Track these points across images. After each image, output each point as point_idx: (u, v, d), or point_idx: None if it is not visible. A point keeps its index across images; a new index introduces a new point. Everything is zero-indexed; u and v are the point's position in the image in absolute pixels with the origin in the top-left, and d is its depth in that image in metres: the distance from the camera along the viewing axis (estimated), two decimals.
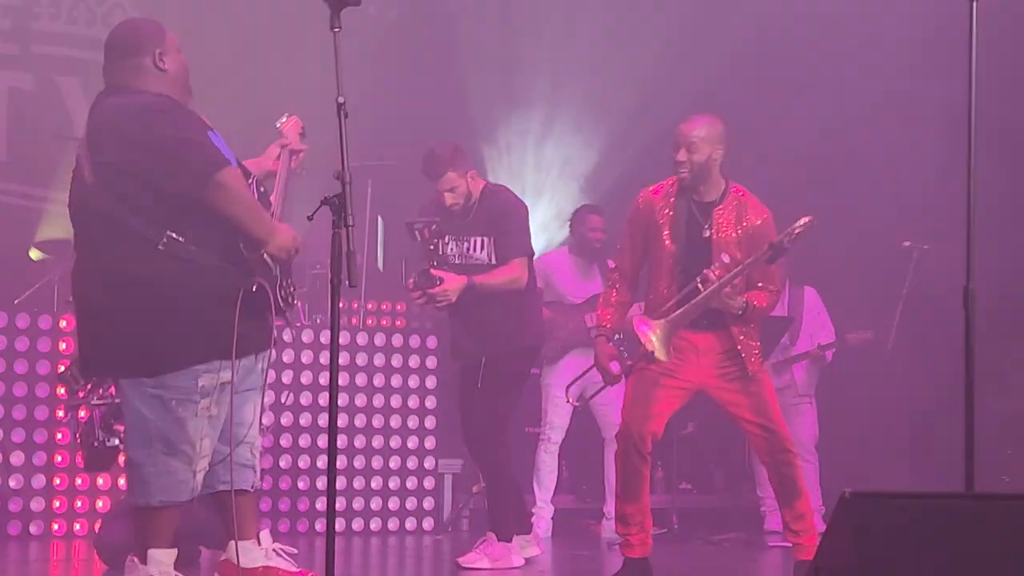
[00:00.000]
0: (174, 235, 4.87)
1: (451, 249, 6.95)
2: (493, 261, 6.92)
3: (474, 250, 6.95)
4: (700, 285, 6.06)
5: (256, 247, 4.98)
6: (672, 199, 6.28)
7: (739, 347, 6.19)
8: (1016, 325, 8.82)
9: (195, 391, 4.93)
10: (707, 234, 6.19)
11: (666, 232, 6.24)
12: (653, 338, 6.06)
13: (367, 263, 9.16)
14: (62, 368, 6.85)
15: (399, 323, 9.74)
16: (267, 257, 5.01)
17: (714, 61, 10.01)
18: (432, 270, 6.74)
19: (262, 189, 5.24)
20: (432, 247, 6.80)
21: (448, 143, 7.05)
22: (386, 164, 9.21)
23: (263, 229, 5.00)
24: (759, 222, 6.22)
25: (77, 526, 8.03)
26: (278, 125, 5.60)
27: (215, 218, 4.90)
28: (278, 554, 5.26)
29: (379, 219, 9.37)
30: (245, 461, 5.17)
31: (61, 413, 7.88)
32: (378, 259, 9.37)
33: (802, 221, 6.02)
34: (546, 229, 10.28)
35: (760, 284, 6.22)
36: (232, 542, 5.15)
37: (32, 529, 7.93)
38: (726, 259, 6.10)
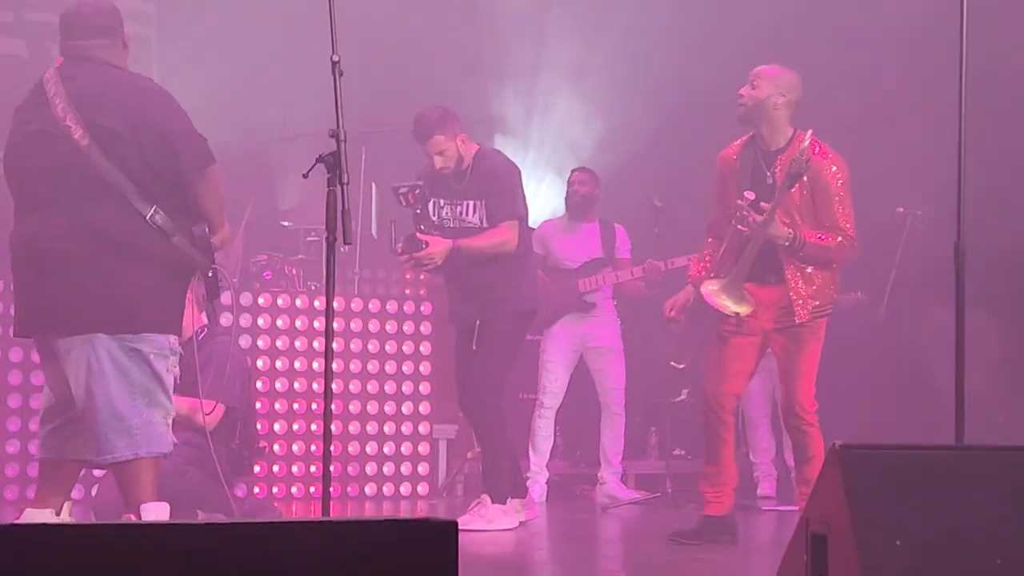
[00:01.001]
0: (159, 209, 5.08)
1: (446, 213, 7.02)
2: (485, 225, 6.97)
3: (467, 214, 7.01)
4: (738, 225, 6.19)
5: (209, 235, 5.23)
6: (741, 150, 6.42)
7: (791, 293, 6.24)
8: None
9: (168, 347, 5.18)
10: (770, 181, 6.27)
11: (733, 184, 6.37)
12: (723, 301, 6.23)
13: (361, 230, 9.19)
14: None
15: (394, 290, 9.77)
16: (214, 243, 5.30)
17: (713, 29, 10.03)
18: (418, 234, 6.82)
19: None
20: (418, 211, 6.88)
21: (437, 107, 7.08)
22: (381, 131, 9.22)
23: (221, 222, 5.30)
24: (826, 167, 6.21)
25: (74, 492, 8.05)
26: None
27: (192, 202, 5.16)
28: None
29: (372, 186, 9.39)
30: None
31: None
32: (372, 226, 9.39)
33: (807, 139, 6.05)
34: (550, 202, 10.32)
35: (829, 226, 6.24)
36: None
37: (29, 494, 7.95)
38: (750, 196, 6.18)
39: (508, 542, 6.66)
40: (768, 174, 6.31)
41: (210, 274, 5.22)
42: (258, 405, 7.88)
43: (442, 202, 7.01)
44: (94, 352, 5.05)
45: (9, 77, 9.81)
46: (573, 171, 9.06)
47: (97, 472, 7.97)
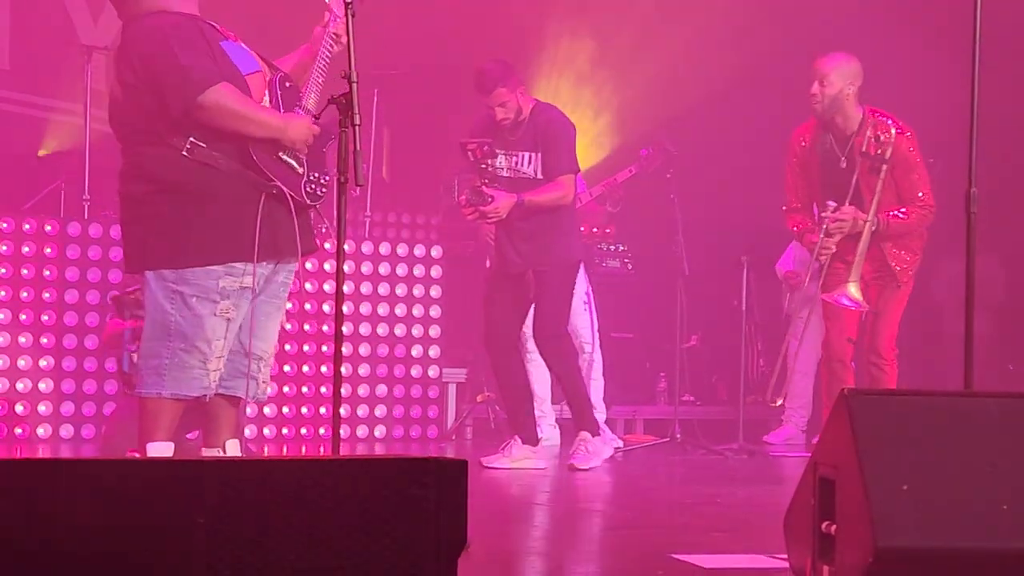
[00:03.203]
0: (196, 140, 5.02)
1: (500, 163, 7.22)
2: (539, 176, 7.20)
3: (522, 164, 7.24)
4: (827, 232, 6.76)
5: (270, 149, 5.08)
6: (814, 133, 6.89)
7: (887, 256, 6.82)
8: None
9: (215, 291, 5.06)
10: (843, 165, 6.76)
11: (809, 168, 6.87)
12: (855, 296, 6.76)
13: (372, 173, 9.18)
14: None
15: (404, 233, 9.77)
16: (284, 156, 5.10)
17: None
18: (484, 187, 7.04)
19: (288, 84, 5.26)
20: (484, 166, 7.09)
21: (499, 60, 7.32)
22: (395, 73, 9.17)
23: (269, 130, 5.07)
24: (901, 142, 6.66)
25: (84, 430, 8.14)
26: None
27: (221, 130, 5.04)
28: None
29: (385, 130, 9.38)
30: (245, 371, 5.23)
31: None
32: (383, 169, 9.38)
33: (891, 130, 6.64)
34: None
35: (907, 198, 6.79)
36: (202, 449, 5.30)
37: (40, 432, 8.02)
38: (832, 204, 6.73)
39: (510, 483, 6.72)
40: (842, 158, 6.80)
41: (274, 192, 5.06)
42: None
43: (497, 151, 7.19)
44: (146, 291, 5.17)
45: (19, 19, 9.82)
46: None
47: (106, 410, 8.06)
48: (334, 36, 4.40)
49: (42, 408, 8.02)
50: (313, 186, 5.18)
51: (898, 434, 3.49)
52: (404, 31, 9.62)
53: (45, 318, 8.09)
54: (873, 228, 6.69)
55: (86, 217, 8.37)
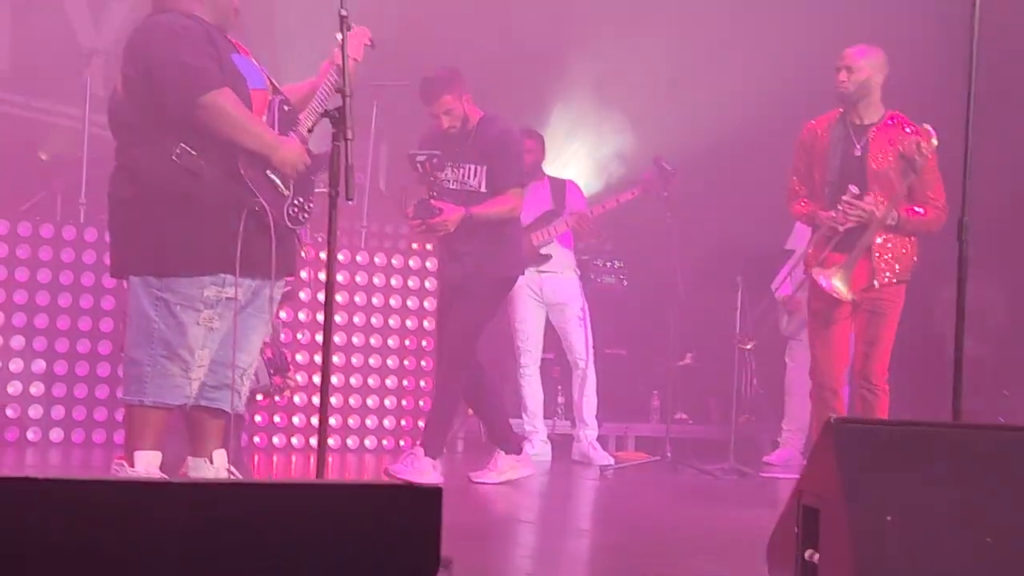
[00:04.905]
0: (187, 147, 5.01)
1: (447, 175, 7.07)
2: (484, 189, 7.06)
3: (468, 177, 7.09)
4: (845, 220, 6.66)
5: (259, 165, 5.07)
6: (830, 123, 6.84)
7: (873, 262, 6.69)
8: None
9: (199, 300, 5.07)
10: (858, 153, 6.72)
11: (821, 154, 6.81)
12: (838, 285, 6.64)
13: (370, 184, 9.18)
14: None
15: (401, 244, 9.75)
16: (272, 174, 5.09)
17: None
18: (432, 200, 6.92)
19: (287, 108, 5.26)
20: (433, 179, 6.97)
21: (446, 67, 7.15)
22: (394, 85, 9.15)
23: (261, 146, 5.08)
24: (915, 142, 6.59)
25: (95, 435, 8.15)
26: (338, 37, 5.44)
27: (215, 135, 5.03)
28: (231, 474, 5.31)
29: (383, 143, 9.37)
30: (230, 383, 5.21)
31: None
32: (381, 180, 9.38)
33: (933, 139, 6.55)
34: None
35: (922, 199, 6.71)
36: (188, 458, 5.30)
37: (30, 435, 8.00)
38: (855, 189, 6.63)
39: (498, 499, 6.70)
40: (858, 146, 6.74)
41: (256, 208, 5.05)
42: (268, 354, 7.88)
43: (446, 163, 7.05)
44: (131, 297, 5.16)
45: (19, 22, 9.81)
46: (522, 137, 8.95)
47: (97, 415, 8.06)
48: (338, 69, 4.36)
49: (32, 411, 8.01)
50: (296, 210, 5.19)
51: (883, 465, 3.48)
52: (404, 43, 9.59)
53: (38, 321, 8.08)
54: (892, 223, 6.64)
55: (82, 221, 8.36)
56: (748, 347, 8.65)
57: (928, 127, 6.63)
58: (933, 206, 6.74)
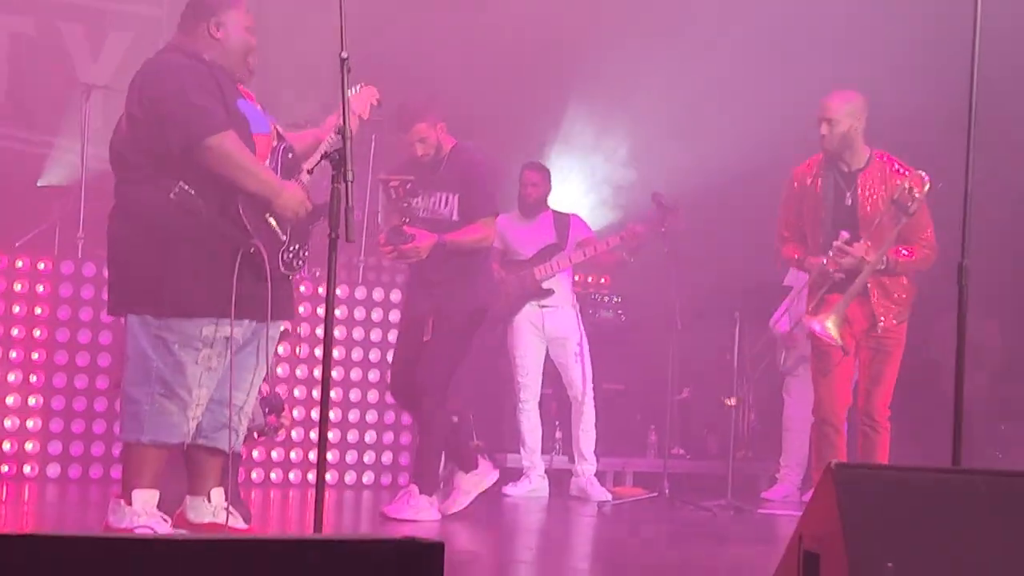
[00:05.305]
0: (185, 187, 5.02)
1: (418, 203, 7.04)
2: (456, 218, 7.02)
3: (440, 205, 7.05)
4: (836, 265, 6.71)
5: (259, 208, 5.08)
6: (819, 170, 6.88)
7: (874, 306, 6.77)
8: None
9: (197, 338, 5.07)
10: (848, 201, 6.79)
11: (811, 203, 6.86)
12: (831, 329, 6.69)
13: (368, 219, 9.18)
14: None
15: (399, 278, 9.73)
16: (270, 219, 5.09)
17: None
18: (405, 227, 6.88)
19: (290, 155, 5.27)
20: (405, 204, 6.94)
21: (421, 94, 7.19)
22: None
23: (264, 190, 5.09)
24: (905, 183, 6.65)
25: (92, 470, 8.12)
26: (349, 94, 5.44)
27: (217, 177, 5.03)
28: (229, 512, 5.29)
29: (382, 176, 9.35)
30: (227, 422, 5.21)
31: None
32: (379, 216, 9.36)
33: (926, 185, 6.60)
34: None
35: (911, 239, 6.78)
36: (187, 496, 5.29)
37: (27, 470, 7.98)
38: (846, 235, 6.70)
39: (497, 536, 6.67)
40: (848, 195, 6.80)
41: (251, 251, 5.05)
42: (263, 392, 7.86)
43: (417, 191, 7.02)
44: (129, 335, 5.17)
45: (17, 56, 9.85)
46: (525, 168, 8.96)
47: (94, 450, 8.04)
48: (339, 128, 4.32)
49: (29, 446, 7.99)
50: (291, 256, 5.19)
51: (885, 510, 3.46)
52: (402, 76, 9.61)
53: (35, 356, 8.06)
54: (880, 267, 6.69)
55: (80, 256, 8.35)
56: (731, 403, 8.59)
57: (922, 173, 6.65)
58: (922, 246, 6.79)
